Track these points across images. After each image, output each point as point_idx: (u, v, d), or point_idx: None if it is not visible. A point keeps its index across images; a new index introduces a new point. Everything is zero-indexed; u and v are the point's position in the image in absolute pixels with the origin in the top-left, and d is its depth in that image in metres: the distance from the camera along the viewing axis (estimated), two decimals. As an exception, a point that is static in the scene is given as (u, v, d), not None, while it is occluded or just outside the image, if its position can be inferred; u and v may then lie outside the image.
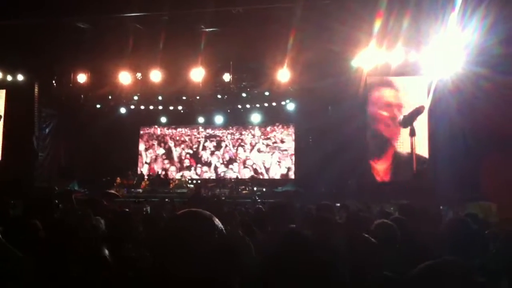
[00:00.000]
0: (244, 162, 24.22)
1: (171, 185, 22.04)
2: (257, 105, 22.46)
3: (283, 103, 21.78)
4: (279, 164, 23.73)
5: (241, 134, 24.46)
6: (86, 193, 17.67)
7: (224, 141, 24.59)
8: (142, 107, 23.13)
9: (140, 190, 21.43)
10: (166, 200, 12.83)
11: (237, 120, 23.98)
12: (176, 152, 25.12)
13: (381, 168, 17.46)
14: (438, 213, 7.68)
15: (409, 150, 17.21)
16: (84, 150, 22.22)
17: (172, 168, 24.92)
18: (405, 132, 17.26)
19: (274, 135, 23.96)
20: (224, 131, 24.65)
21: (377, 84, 17.66)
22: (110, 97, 21.30)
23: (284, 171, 23.60)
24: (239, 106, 22.80)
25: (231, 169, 24.32)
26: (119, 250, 4.05)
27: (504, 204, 12.64)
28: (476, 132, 14.55)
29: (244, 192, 20.65)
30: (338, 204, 9.31)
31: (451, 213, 10.81)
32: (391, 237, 3.87)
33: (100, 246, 3.86)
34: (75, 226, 4.37)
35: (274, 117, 23.17)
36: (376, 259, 2.51)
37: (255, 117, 23.25)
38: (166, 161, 25.13)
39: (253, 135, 24.22)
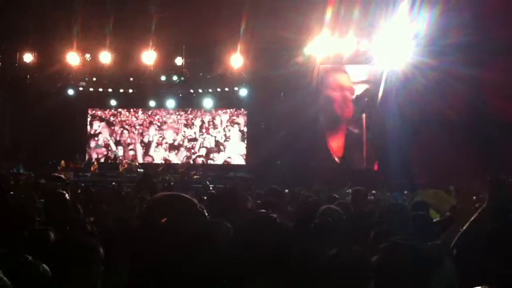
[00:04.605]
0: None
1: (121, 169, 21.70)
2: (209, 90, 22.30)
3: (235, 88, 21.69)
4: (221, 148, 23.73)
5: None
6: (32, 176, 17.19)
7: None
8: (91, 89, 22.54)
9: (88, 174, 21.02)
10: (113, 184, 12.63)
11: (189, 104, 23.70)
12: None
13: (335, 146, 17.94)
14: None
15: (359, 131, 17.80)
16: (30, 132, 21.53)
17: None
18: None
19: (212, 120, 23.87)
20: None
21: (331, 70, 18.06)
22: (57, 77, 20.70)
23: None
24: (191, 91, 22.59)
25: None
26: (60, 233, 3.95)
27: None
28: (425, 120, 14.91)
29: (195, 177, 20.54)
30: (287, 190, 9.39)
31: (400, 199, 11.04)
32: (337, 221, 3.95)
33: (46, 229, 3.77)
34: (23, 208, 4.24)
35: (226, 102, 23.01)
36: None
37: (207, 102, 23.05)
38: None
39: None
